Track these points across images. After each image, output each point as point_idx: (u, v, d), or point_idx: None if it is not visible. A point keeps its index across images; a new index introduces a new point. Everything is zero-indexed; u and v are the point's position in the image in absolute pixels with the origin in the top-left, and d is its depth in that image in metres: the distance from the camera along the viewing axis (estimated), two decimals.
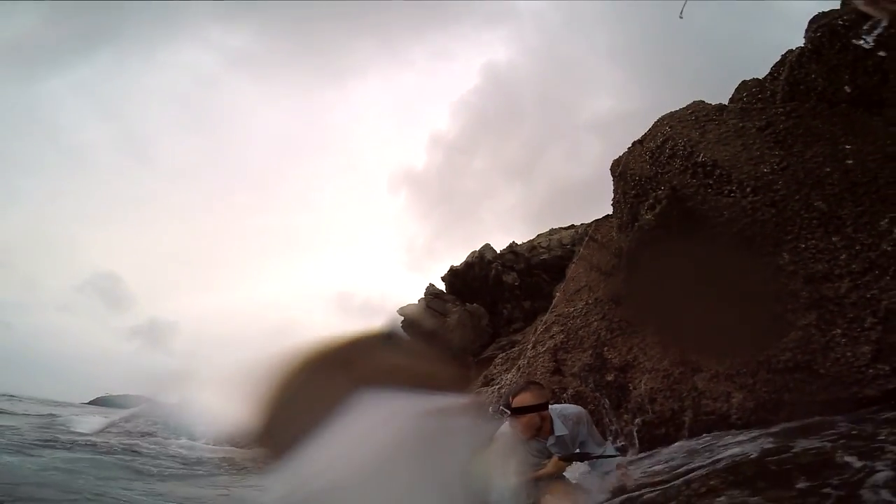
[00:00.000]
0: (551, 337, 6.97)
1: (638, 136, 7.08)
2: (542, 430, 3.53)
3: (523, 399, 3.52)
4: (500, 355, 9.24)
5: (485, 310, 23.18)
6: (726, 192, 5.32)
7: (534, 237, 25.63)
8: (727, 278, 4.69)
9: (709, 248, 5.00)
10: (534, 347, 7.24)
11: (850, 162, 4.82)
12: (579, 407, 3.81)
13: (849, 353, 3.98)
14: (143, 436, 12.60)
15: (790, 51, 6.26)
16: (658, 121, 6.73)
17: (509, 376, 7.59)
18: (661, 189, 5.96)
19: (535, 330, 7.89)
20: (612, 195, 7.44)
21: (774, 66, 6.33)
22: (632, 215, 6.45)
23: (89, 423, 14.32)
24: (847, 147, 4.97)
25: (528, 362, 7.10)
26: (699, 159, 5.71)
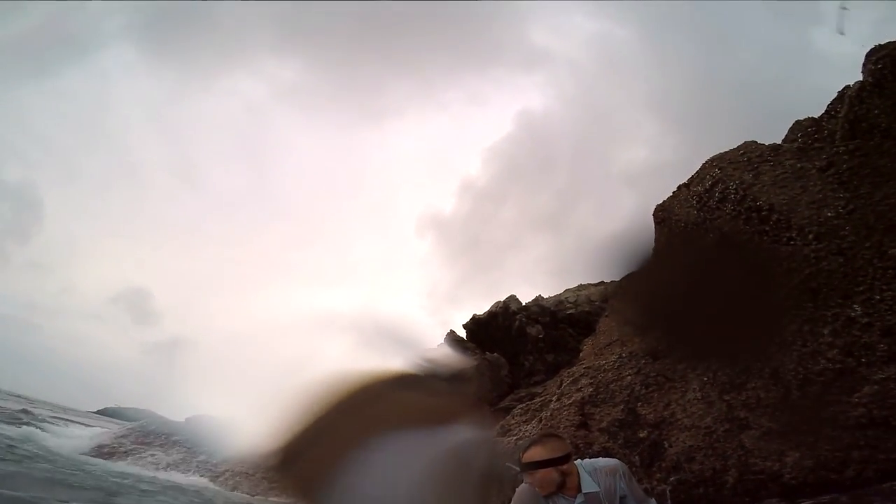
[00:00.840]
0: (579, 390, 6.45)
1: (672, 188, 6.74)
2: (565, 486, 3.04)
3: (535, 453, 3.05)
4: (520, 406, 8.67)
5: (505, 360, 22.50)
6: (785, 239, 4.89)
7: (561, 292, 25.08)
8: (786, 330, 4.21)
9: (764, 300, 4.54)
10: (558, 400, 6.71)
11: None
12: (615, 459, 3.32)
13: None
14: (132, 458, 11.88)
15: (848, 86, 5.89)
16: (706, 162, 6.36)
17: (528, 427, 7.04)
18: (710, 235, 5.56)
19: (561, 382, 7.37)
20: (652, 244, 7.05)
21: (831, 103, 5.95)
22: (673, 266, 6.01)
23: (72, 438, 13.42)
24: None
25: (551, 414, 6.57)
26: (754, 203, 5.31)
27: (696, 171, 6.46)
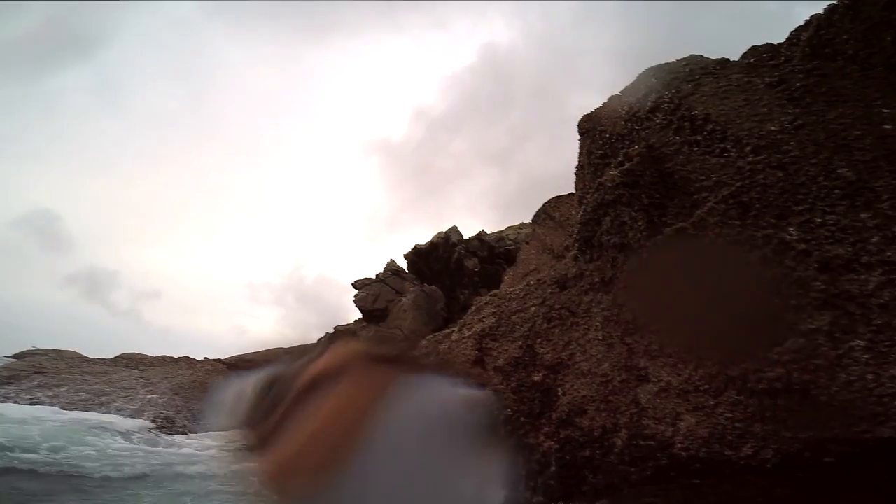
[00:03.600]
0: (481, 320, 5.63)
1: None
2: None
3: None
4: (428, 337, 7.88)
5: (442, 293, 21.98)
6: (717, 150, 4.03)
7: (503, 228, 24.55)
8: (706, 257, 3.38)
9: (685, 219, 3.69)
10: (460, 330, 5.90)
11: (888, 126, 3.54)
12: None
13: (869, 376, 2.69)
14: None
15: (815, 14, 5.04)
16: (643, 72, 5.40)
17: (429, 361, 6.26)
18: (633, 147, 4.66)
19: (470, 311, 6.55)
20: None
21: (795, 30, 5.06)
22: (594, 181, 5.13)
23: None
24: (885, 111, 3.71)
25: (449, 347, 5.76)
26: (688, 113, 4.42)
27: (632, 82, 5.51)
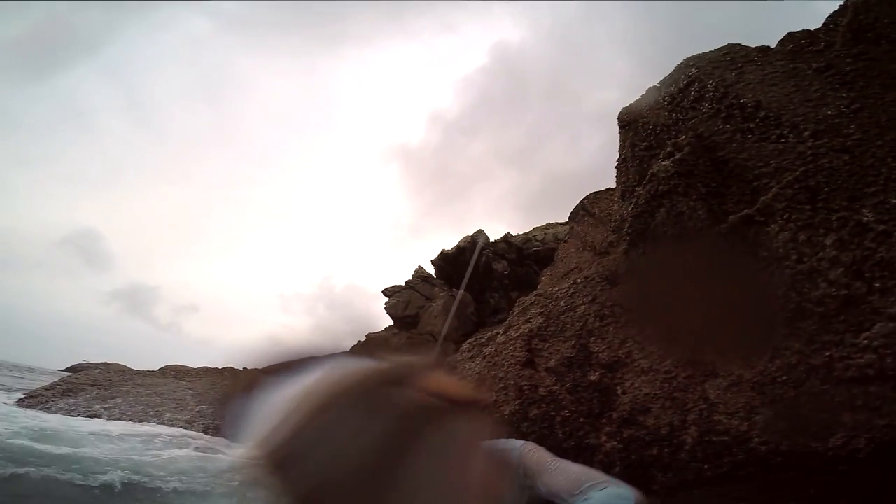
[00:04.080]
0: (528, 321, 5.54)
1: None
2: None
3: None
4: (468, 341, 7.81)
5: (472, 297, 21.85)
6: (774, 136, 3.92)
7: (530, 230, 24.31)
8: (775, 240, 3.26)
9: (748, 206, 3.57)
10: (505, 332, 5.81)
11: None
12: (527, 442, 2.10)
13: None
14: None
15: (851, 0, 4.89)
16: (681, 63, 5.30)
17: (473, 365, 6.16)
18: (681, 137, 4.55)
19: (512, 314, 6.46)
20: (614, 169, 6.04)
21: (831, 16, 4.92)
22: (640, 173, 5.02)
23: None
24: None
25: (495, 350, 5.67)
26: (736, 101, 4.32)
27: (670, 73, 5.41)
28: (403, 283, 23.48)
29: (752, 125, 4.13)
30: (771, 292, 3.20)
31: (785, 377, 3.08)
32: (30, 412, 10.22)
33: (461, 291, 17.07)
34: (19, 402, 11.56)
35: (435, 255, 24.90)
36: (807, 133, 3.72)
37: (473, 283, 22.23)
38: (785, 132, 3.87)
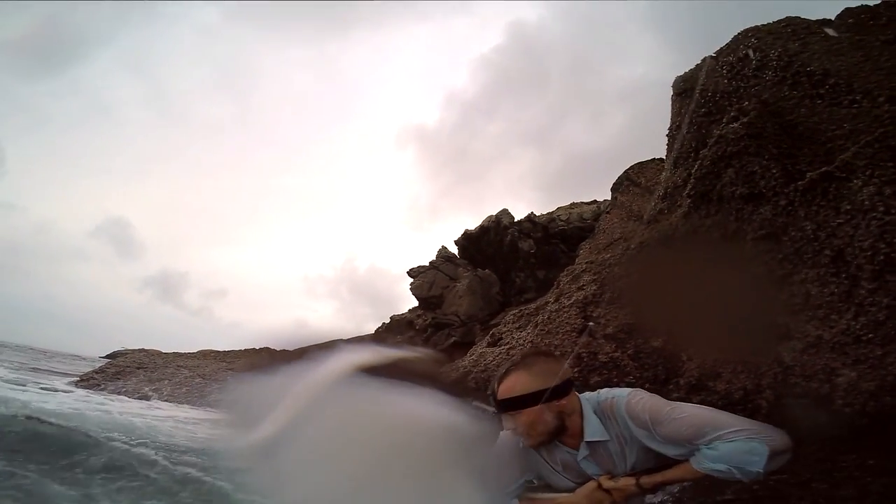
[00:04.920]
0: (580, 288, 5.57)
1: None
2: (562, 433, 1.96)
3: (516, 384, 1.94)
4: (512, 312, 7.84)
5: (496, 277, 21.91)
6: (846, 102, 3.88)
7: (553, 209, 24.23)
8: (860, 193, 3.24)
9: (824, 165, 3.56)
10: (556, 301, 5.86)
11: None
12: (635, 390, 2.04)
13: None
14: None
15: None
16: (739, 34, 5.22)
17: (523, 335, 6.21)
18: (745, 103, 4.51)
19: (558, 283, 6.49)
20: (667, 125, 6.00)
21: None
22: (698, 139, 4.99)
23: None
24: None
25: (548, 317, 5.72)
26: (803, 69, 4.27)
27: (726, 44, 5.35)
28: (427, 264, 23.61)
29: (821, 91, 4.09)
30: (856, 244, 3.18)
31: (871, 335, 3.09)
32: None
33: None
34: (76, 384, 12.17)
35: (456, 235, 24.94)
36: (881, 99, 3.69)
37: (498, 263, 22.26)
38: (858, 98, 3.83)
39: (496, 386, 1.97)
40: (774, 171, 3.77)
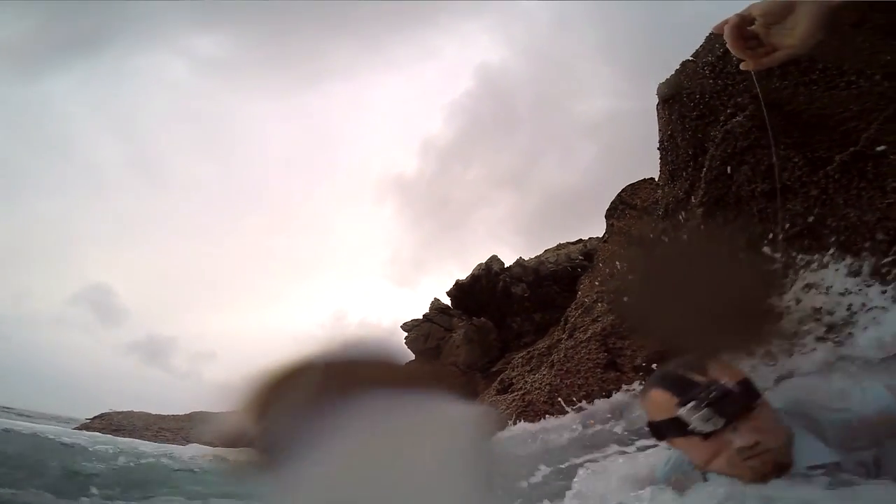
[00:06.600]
0: (595, 320, 5.23)
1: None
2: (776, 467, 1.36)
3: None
4: (518, 356, 7.45)
5: (493, 324, 21.53)
6: (842, 84, 3.70)
7: (541, 252, 24.16)
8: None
9: (849, 146, 3.33)
10: (571, 336, 5.49)
11: None
12: None
13: None
14: None
15: None
16: (712, 34, 5.12)
17: (538, 377, 5.80)
18: (739, 98, 4.34)
19: (566, 319, 6.14)
20: (656, 138, 5.83)
21: None
22: (694, 144, 4.79)
23: None
24: None
25: (564, 355, 5.34)
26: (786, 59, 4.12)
27: (700, 45, 5.25)
28: (421, 317, 23.22)
29: (813, 77, 3.90)
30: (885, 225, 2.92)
31: None
32: None
33: None
34: None
35: (443, 285, 24.78)
36: (878, 77, 3.52)
37: (492, 310, 21.94)
38: (853, 78, 3.65)
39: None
40: (797, 159, 3.53)
